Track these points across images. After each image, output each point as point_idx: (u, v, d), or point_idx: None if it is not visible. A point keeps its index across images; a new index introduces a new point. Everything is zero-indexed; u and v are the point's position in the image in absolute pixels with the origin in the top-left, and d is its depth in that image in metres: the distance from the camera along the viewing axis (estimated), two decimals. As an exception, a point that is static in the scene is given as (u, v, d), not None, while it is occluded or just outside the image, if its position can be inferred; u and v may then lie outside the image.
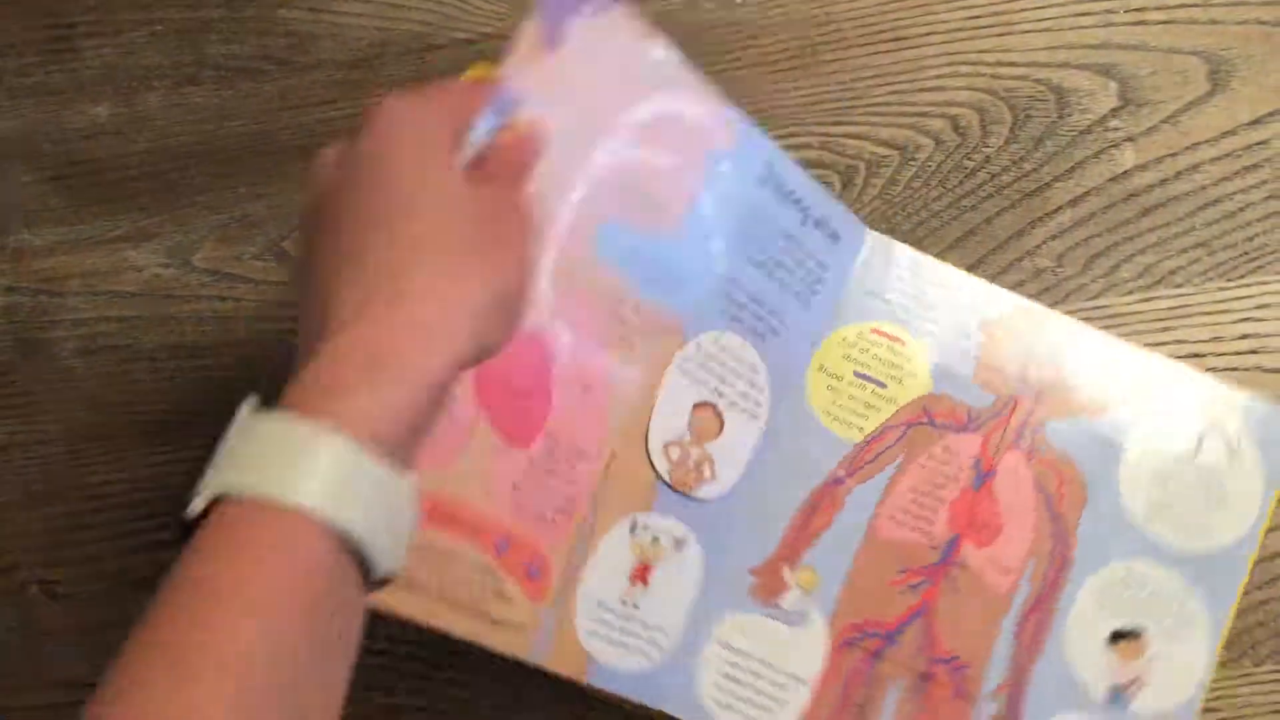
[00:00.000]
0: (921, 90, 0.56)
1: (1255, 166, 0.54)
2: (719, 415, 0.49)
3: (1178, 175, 0.55)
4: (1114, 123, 0.55)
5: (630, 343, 0.47)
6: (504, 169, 0.39)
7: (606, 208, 0.46)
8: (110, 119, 0.57)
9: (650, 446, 0.48)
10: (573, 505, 0.46)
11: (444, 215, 0.35)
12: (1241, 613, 0.50)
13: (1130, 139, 0.55)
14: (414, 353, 0.33)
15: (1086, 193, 0.55)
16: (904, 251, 0.52)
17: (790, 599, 0.49)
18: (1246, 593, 0.50)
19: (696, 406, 0.49)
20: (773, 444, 0.50)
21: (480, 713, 0.52)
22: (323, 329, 0.33)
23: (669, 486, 0.48)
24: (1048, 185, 0.55)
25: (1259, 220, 0.54)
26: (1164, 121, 0.55)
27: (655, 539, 0.48)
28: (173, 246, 0.56)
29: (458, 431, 0.44)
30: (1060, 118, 0.55)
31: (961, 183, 0.55)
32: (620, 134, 0.46)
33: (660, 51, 0.47)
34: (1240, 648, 0.51)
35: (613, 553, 0.47)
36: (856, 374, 0.51)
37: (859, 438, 0.51)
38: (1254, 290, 0.54)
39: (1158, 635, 0.49)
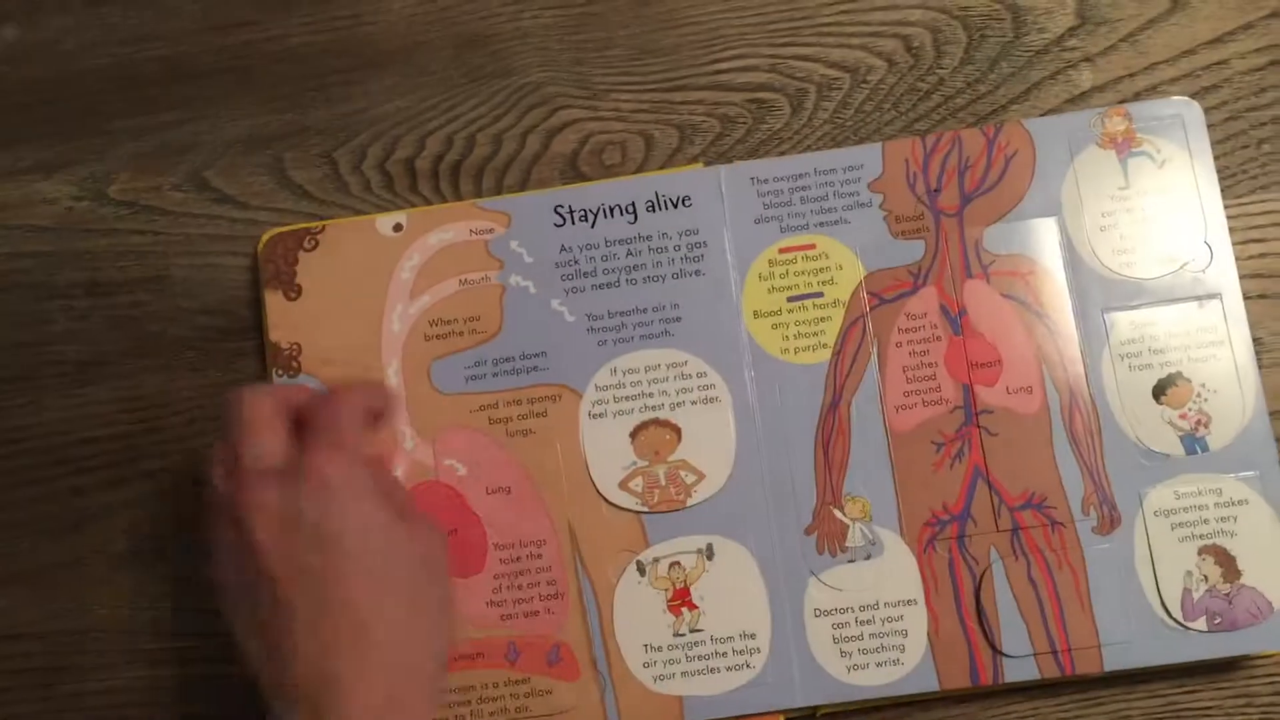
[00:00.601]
0: (873, 9, 0.54)
1: (1214, 87, 0.54)
2: (667, 424, 0.49)
3: (1136, 96, 0.54)
4: (1071, 42, 0.54)
5: (525, 431, 0.49)
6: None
7: (428, 351, 0.50)
8: (18, 41, 0.54)
9: (604, 494, 0.49)
10: (558, 586, 0.48)
11: (408, 575, 0.41)
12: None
13: (1088, 59, 0.54)
14: (413, 693, 0.39)
15: (1043, 114, 0.54)
16: (756, 166, 0.52)
17: (855, 535, 0.49)
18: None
19: (635, 432, 0.49)
20: (750, 412, 0.49)
21: None
22: (321, 687, 0.38)
23: (654, 514, 0.48)
24: (1004, 108, 0.54)
25: (1218, 143, 0.53)
26: (1122, 40, 0.54)
27: (674, 564, 0.48)
28: (86, 177, 0.54)
29: None
30: (1016, 37, 0.54)
31: (915, 106, 0.54)
32: (396, 300, 0.51)
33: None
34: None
35: (632, 600, 0.48)
36: (790, 299, 0.50)
37: (828, 355, 0.50)
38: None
39: (1192, 368, 0.49)
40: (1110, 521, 0.48)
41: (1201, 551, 0.48)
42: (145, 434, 0.52)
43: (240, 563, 0.40)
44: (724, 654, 0.48)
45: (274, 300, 0.51)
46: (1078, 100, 0.54)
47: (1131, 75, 0.54)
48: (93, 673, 0.50)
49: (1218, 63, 0.54)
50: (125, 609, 0.50)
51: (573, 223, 0.51)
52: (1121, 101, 0.53)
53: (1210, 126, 0.53)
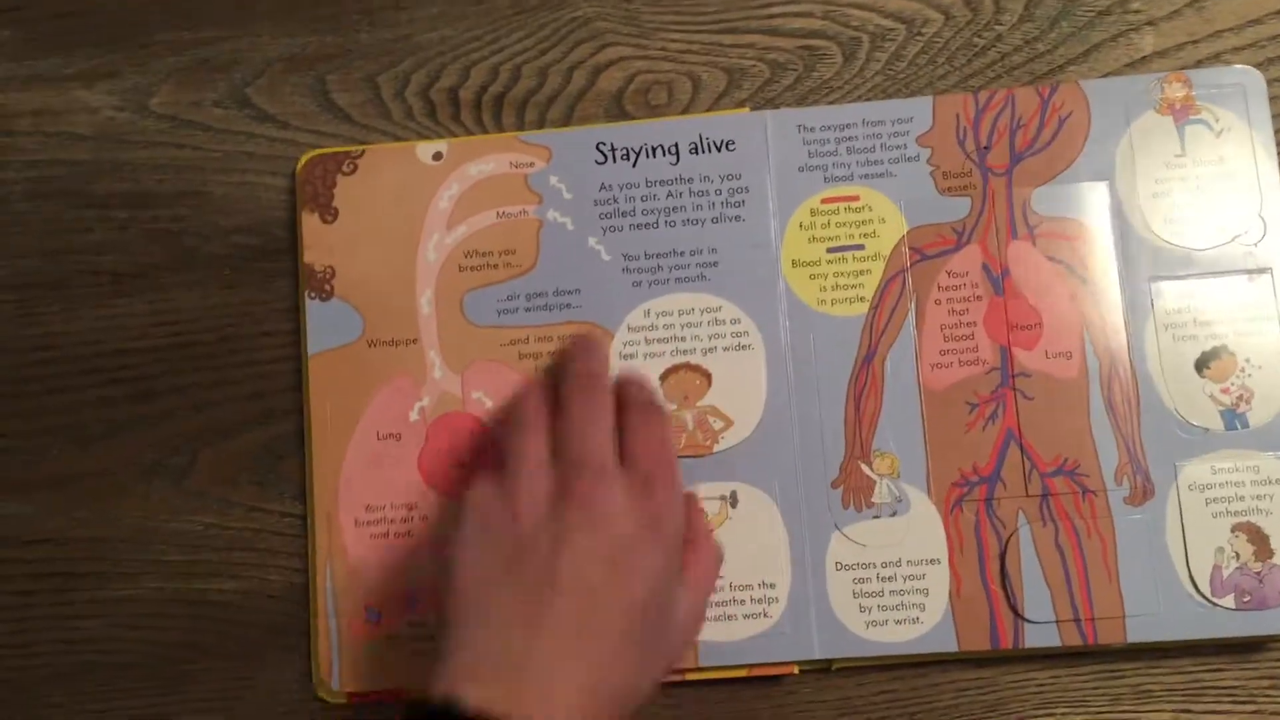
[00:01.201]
0: (933, -41, 0.54)
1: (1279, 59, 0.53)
2: (697, 369, 0.49)
3: (1198, 63, 0.53)
4: (1135, 4, 0.54)
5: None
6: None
7: (462, 283, 0.51)
8: (65, -52, 0.55)
9: None
10: None
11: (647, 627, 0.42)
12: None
13: (1151, 23, 0.54)
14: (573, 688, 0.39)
15: (1102, 77, 0.53)
16: (803, 114, 0.51)
17: (882, 491, 0.49)
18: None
19: (666, 375, 0.50)
20: (783, 362, 0.50)
21: None
22: (465, 640, 0.40)
23: (680, 458, 0.49)
24: (1060, 68, 0.53)
25: (1278, 116, 0.53)
26: (1187, 6, 0.53)
27: None
28: (129, 89, 0.55)
29: (433, 523, 0.49)
30: (1079, -4, 0.54)
31: (970, 61, 0.54)
32: (433, 229, 0.51)
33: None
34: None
35: None
36: (830, 250, 0.50)
37: (865, 309, 0.50)
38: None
39: (1238, 342, 0.49)
40: (1143, 492, 0.48)
41: (1235, 529, 0.48)
42: (177, 349, 0.53)
43: (510, 558, 0.42)
44: (742, 601, 0.48)
45: (310, 222, 0.51)
46: (1138, 64, 0.53)
47: (1195, 41, 0.53)
48: (111, 581, 0.51)
49: (1286, 30, 0.53)
50: (149, 521, 0.52)
51: (614, 161, 0.51)
52: (1182, 68, 0.53)
53: (1273, 98, 0.52)
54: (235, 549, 0.51)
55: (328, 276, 0.51)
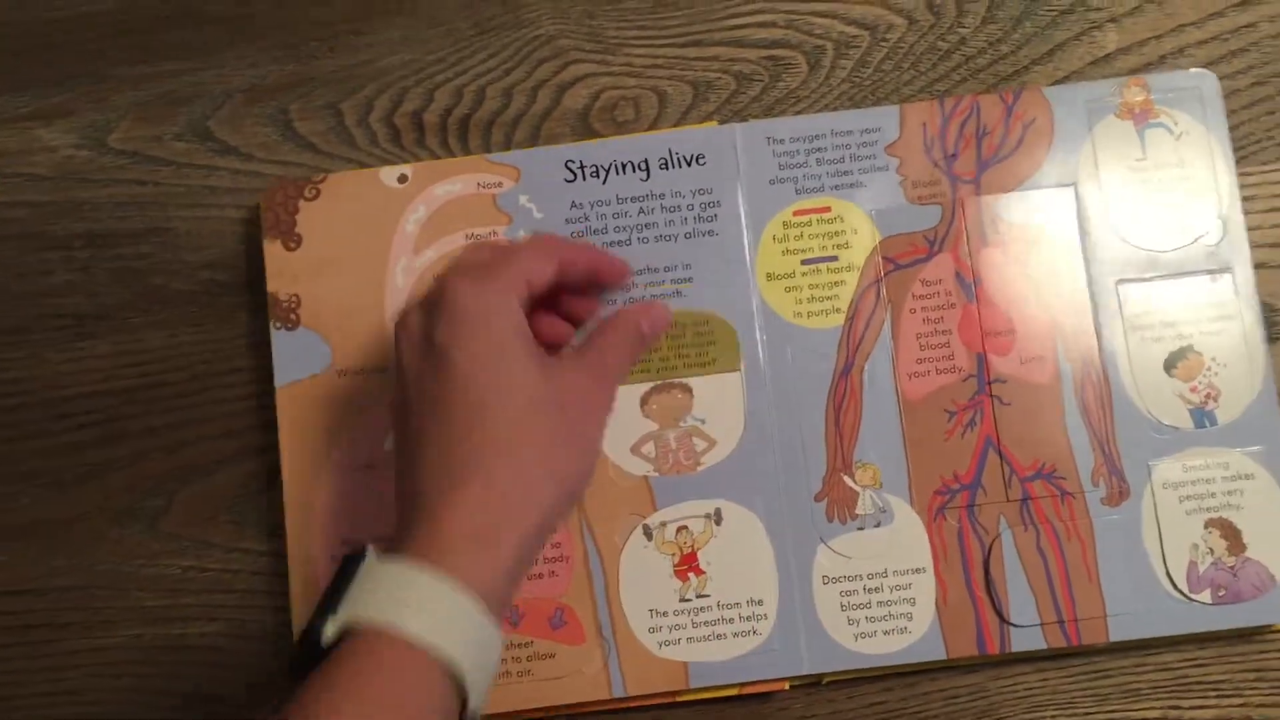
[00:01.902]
0: (894, -35, 0.55)
1: (1241, 51, 0.55)
2: (680, 387, 0.50)
3: (1162, 59, 0.55)
4: (1096, 2, 0.55)
5: None
6: (607, 361, 0.44)
7: None
8: (18, -16, 0.55)
9: (614, 459, 0.50)
10: (563, 549, 0.50)
11: (518, 414, 0.40)
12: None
13: (1113, 20, 0.55)
14: (504, 532, 0.39)
15: (1066, 76, 0.55)
16: (772, 126, 0.53)
17: (865, 502, 0.50)
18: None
19: (648, 395, 0.50)
20: (761, 377, 0.51)
21: None
22: (418, 503, 0.39)
23: (662, 478, 0.50)
24: (1025, 69, 0.55)
25: (1244, 109, 0.54)
26: (1148, 2, 0.55)
27: (681, 529, 0.50)
28: (87, 126, 0.55)
29: None
30: (1040, -3, 0.55)
31: (935, 66, 0.55)
32: (400, 253, 0.52)
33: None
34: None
35: (638, 564, 0.50)
36: (804, 262, 0.52)
37: (841, 320, 0.51)
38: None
39: (1203, 341, 0.51)
40: (1119, 493, 0.50)
41: (1208, 524, 0.49)
42: (146, 389, 0.53)
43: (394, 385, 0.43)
44: (730, 620, 0.49)
45: (273, 250, 0.52)
46: (1101, 62, 0.55)
47: (1158, 37, 0.55)
48: (93, 630, 0.52)
49: (1246, 26, 0.55)
50: (125, 566, 0.52)
51: (584, 179, 0.52)
52: (1146, 64, 0.54)
53: (1236, 92, 0.54)
54: (215, 591, 0.52)
55: (293, 305, 0.51)
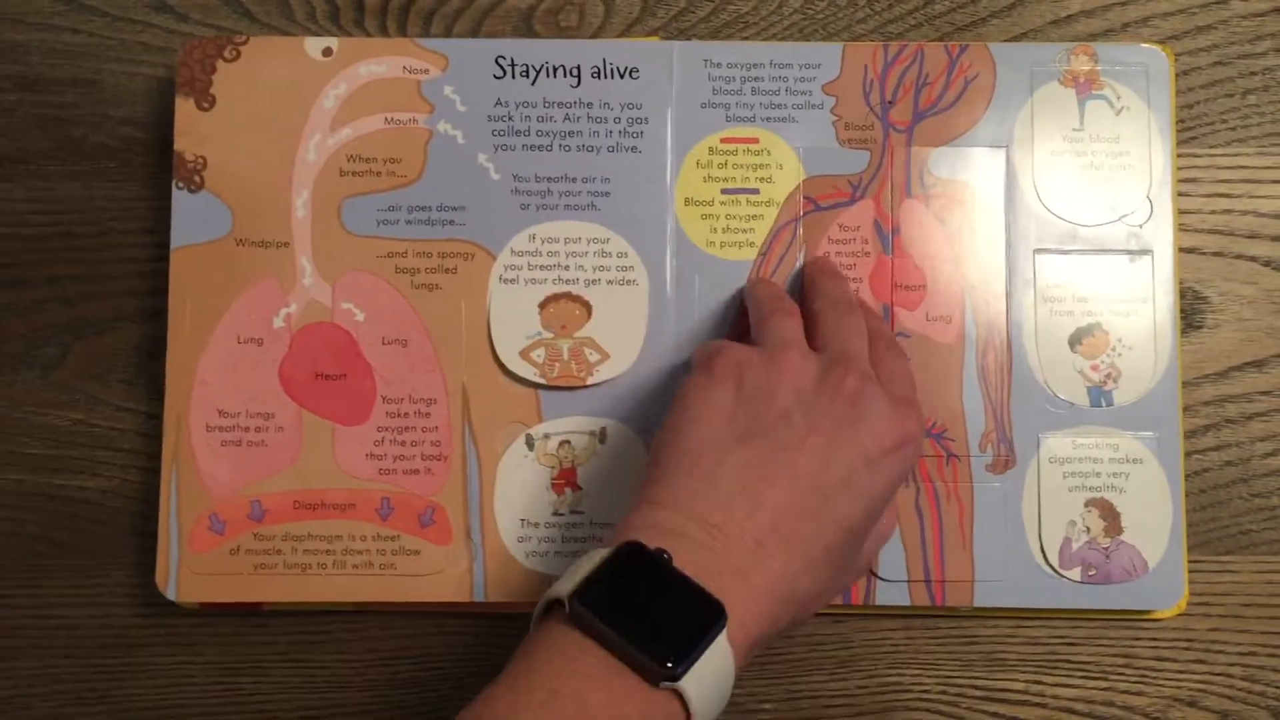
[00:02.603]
0: (864, -101, 0.54)
1: (1209, 28, 0.54)
2: (578, 299, 0.50)
3: (1124, 27, 0.54)
4: (1066, -39, 0.54)
5: (431, 285, 0.51)
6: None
7: (342, 188, 0.51)
8: None
9: (504, 361, 0.50)
10: (442, 448, 0.50)
11: (865, 525, 0.42)
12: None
13: (1081, -18, 0.54)
14: (770, 581, 0.39)
15: (1023, 34, 0.54)
16: (711, 48, 0.52)
17: None
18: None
19: (545, 302, 0.50)
20: (666, 301, 0.50)
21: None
22: (735, 551, 0.39)
23: (551, 389, 0.49)
24: (983, 20, 0.54)
25: (1202, 88, 0.53)
26: (1120, -33, 0.54)
27: (564, 443, 0.50)
28: (24, -35, 0.55)
29: (288, 434, 0.50)
30: (1009, -51, 0.54)
31: (890, 7, 0.54)
32: (315, 128, 0.51)
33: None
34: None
35: (515, 473, 0.50)
36: (725, 191, 0.51)
37: (754, 254, 0.51)
38: (1181, 163, 0.53)
39: (1112, 321, 0.51)
40: (1005, 461, 0.50)
41: (1088, 504, 0.49)
42: (57, 238, 0.53)
43: (752, 428, 0.41)
44: (600, 539, 0.50)
45: (185, 108, 0.51)
46: (1062, 23, 0.54)
47: (1123, 3, 0.54)
48: (-29, 469, 0.53)
49: (1218, 3, 0.54)
50: (14, 411, 0.53)
51: (513, 77, 0.51)
52: (1108, 31, 0.53)
53: (1195, 70, 0.53)
54: (99, 447, 0.53)
55: (198, 167, 0.51)
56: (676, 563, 0.38)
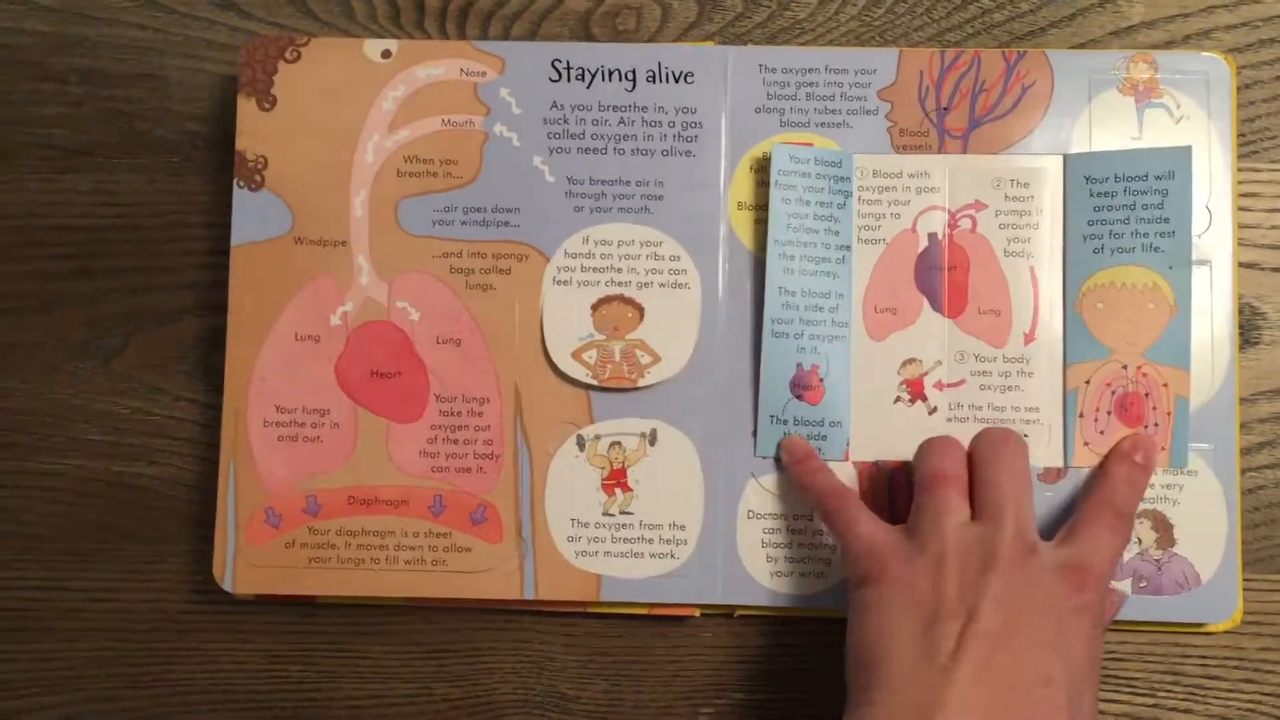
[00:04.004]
0: (924, -94, 0.54)
1: (1272, 41, 0.53)
2: (630, 302, 0.51)
3: (1186, 39, 0.53)
4: (1128, -29, 0.54)
5: (485, 285, 0.51)
6: None
7: (398, 189, 0.52)
8: None
9: (556, 362, 0.50)
10: (494, 447, 0.51)
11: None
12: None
13: (1143, -8, 0.54)
14: None
15: (1083, 44, 0.54)
16: (766, 53, 0.52)
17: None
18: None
19: (598, 305, 0.51)
20: (718, 304, 0.51)
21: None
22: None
23: (603, 390, 0.50)
24: (1042, 30, 0.54)
25: (1265, 101, 0.53)
26: (1184, -21, 0.54)
27: (615, 444, 0.50)
28: (95, -39, 0.56)
29: (343, 431, 0.51)
30: (1071, -42, 0.54)
31: (949, 15, 0.54)
32: (373, 129, 0.52)
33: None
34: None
35: (566, 473, 0.51)
36: None
37: None
38: (1243, 177, 0.53)
39: None
40: (1058, 471, 0.50)
41: (1142, 515, 0.49)
42: (119, 230, 0.55)
43: (929, 624, 0.42)
44: (650, 540, 0.50)
45: (247, 107, 0.52)
46: (1123, 34, 0.54)
47: (1185, 15, 0.54)
48: (38, 453, 0.54)
49: (1281, 17, 0.53)
50: (76, 399, 0.54)
51: (568, 80, 0.52)
52: (1169, 42, 0.53)
53: (1258, 83, 0.53)
54: (157, 435, 0.54)
55: (259, 166, 0.52)
56: None
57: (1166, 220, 0.48)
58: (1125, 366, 0.48)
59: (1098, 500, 0.46)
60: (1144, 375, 0.49)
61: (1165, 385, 0.48)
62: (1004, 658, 0.41)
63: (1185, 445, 0.47)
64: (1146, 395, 0.48)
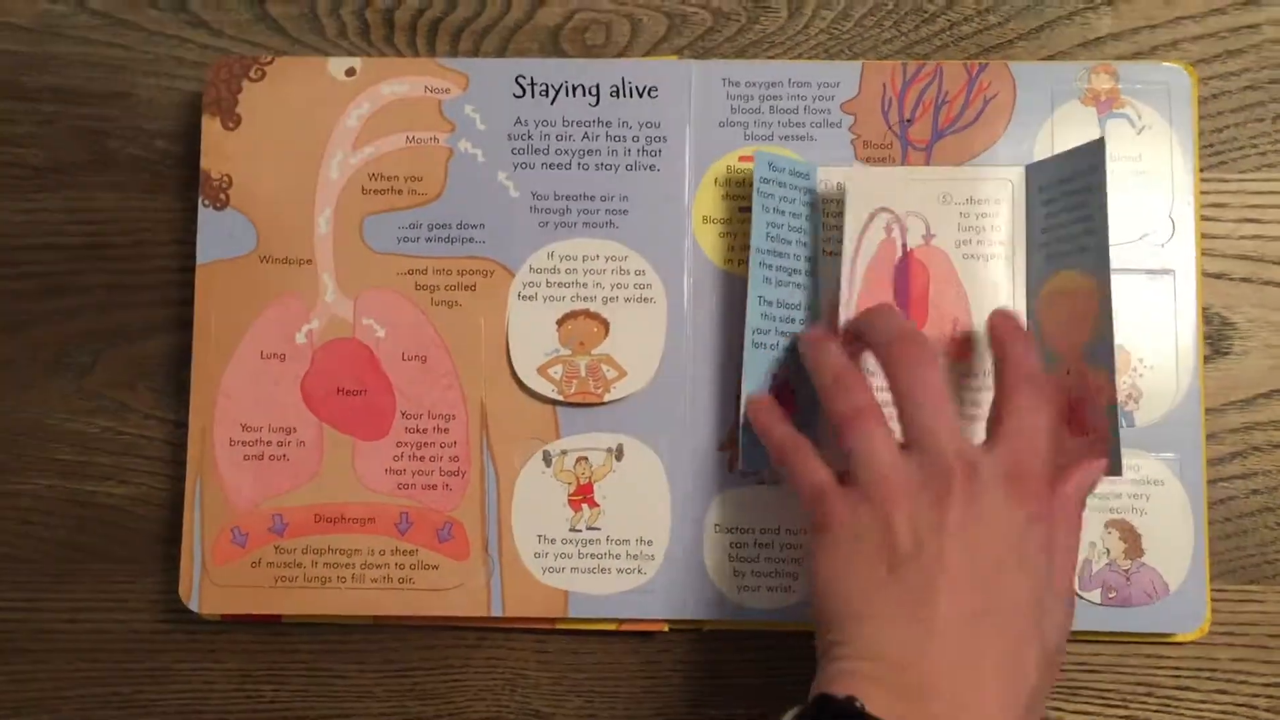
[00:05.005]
0: (890, -82, 0.55)
1: (1239, 52, 0.53)
2: (595, 317, 0.51)
3: (1153, 50, 0.53)
4: (1095, -17, 0.54)
5: (451, 302, 0.52)
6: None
7: (363, 206, 0.52)
8: None
9: (522, 377, 0.51)
10: (460, 464, 0.51)
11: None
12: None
13: (1110, 2, 0.54)
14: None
15: (1051, 57, 0.54)
16: (729, 67, 0.52)
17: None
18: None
19: (563, 320, 0.51)
20: (683, 318, 0.51)
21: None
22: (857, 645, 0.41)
23: (569, 405, 0.50)
24: (1011, 43, 0.54)
25: (1231, 112, 0.53)
26: (1150, -11, 0.54)
27: (581, 459, 0.50)
28: (66, -19, 0.57)
29: (309, 449, 0.51)
30: (1038, -31, 0.54)
31: (918, 28, 0.54)
32: (338, 147, 0.52)
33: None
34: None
35: (533, 489, 0.51)
36: (743, 209, 0.52)
37: None
38: (1210, 187, 0.53)
39: (1133, 341, 0.50)
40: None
41: (1109, 525, 0.49)
42: (91, 249, 0.55)
43: (891, 565, 0.41)
44: (617, 556, 0.50)
45: (211, 127, 0.53)
46: (1091, 45, 0.54)
47: (1153, 27, 0.54)
48: (8, 474, 0.54)
49: (1249, 26, 0.54)
50: (48, 418, 0.54)
51: (532, 96, 0.52)
52: (1137, 54, 0.53)
53: (1225, 94, 0.53)
54: (127, 454, 0.54)
55: (224, 185, 0.52)
56: (873, 709, 0.38)
57: (1090, 218, 0.47)
58: (1069, 372, 0.48)
59: (1010, 380, 0.45)
60: (1083, 381, 0.48)
61: (1099, 390, 0.47)
62: (975, 597, 0.40)
63: (1119, 451, 0.45)
64: (1084, 401, 0.48)
